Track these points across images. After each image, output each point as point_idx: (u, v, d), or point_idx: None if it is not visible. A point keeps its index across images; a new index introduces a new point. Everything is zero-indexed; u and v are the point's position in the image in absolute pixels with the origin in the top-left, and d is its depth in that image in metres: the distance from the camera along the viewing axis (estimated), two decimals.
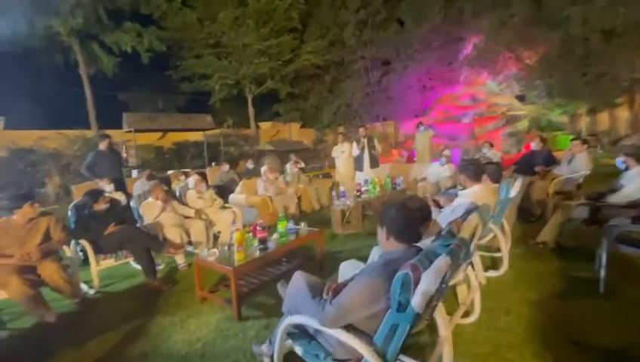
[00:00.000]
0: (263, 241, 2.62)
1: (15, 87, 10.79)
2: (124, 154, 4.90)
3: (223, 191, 6.04)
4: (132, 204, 4.03)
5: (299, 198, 5.68)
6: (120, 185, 4.90)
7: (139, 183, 4.91)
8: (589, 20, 9.64)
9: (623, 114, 12.65)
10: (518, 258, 3.06)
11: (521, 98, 14.57)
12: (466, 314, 2.06)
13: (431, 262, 1.13)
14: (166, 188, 5.55)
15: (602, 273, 2.31)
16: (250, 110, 14.31)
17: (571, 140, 4.28)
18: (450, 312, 1.88)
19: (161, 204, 3.78)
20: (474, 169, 2.17)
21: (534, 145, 5.17)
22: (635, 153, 2.76)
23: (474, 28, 13.73)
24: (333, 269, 3.15)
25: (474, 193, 2.19)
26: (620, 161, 2.88)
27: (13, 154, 8.37)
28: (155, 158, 12.28)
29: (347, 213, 4.29)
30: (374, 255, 2.47)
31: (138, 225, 3.66)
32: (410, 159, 8.53)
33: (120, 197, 4.59)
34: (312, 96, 16.52)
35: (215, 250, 2.65)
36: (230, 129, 13.42)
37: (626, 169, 2.83)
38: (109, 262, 3.11)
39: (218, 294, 2.71)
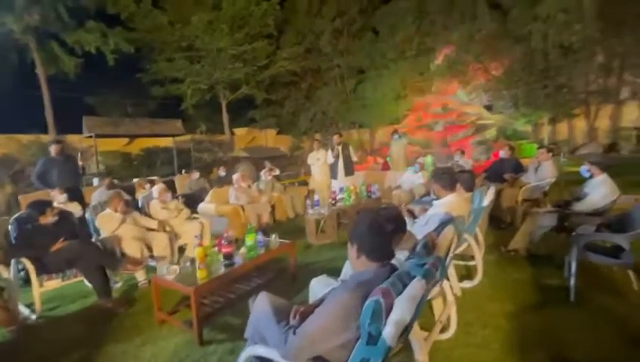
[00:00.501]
0: (228, 256, 2.42)
1: None
2: (79, 161, 4.48)
3: (193, 201, 5.75)
4: (87, 216, 3.68)
5: (273, 207, 5.49)
6: (76, 195, 4.49)
7: (97, 193, 4.53)
8: (548, 36, 10.25)
9: (580, 124, 13.53)
10: (491, 265, 3.06)
11: (488, 108, 15.23)
12: (442, 329, 1.98)
13: (405, 286, 1.02)
14: (128, 197, 5.20)
15: (572, 281, 2.32)
16: (225, 116, 13.95)
17: (538, 149, 4.42)
18: (426, 327, 1.78)
19: (120, 215, 3.48)
20: (448, 178, 2.12)
21: (503, 153, 5.31)
22: (599, 162, 2.85)
23: (445, 39, 14.26)
24: (306, 282, 2.97)
25: (448, 203, 2.13)
26: (584, 170, 2.96)
27: None
28: (122, 165, 11.63)
29: (322, 223, 4.16)
30: (347, 269, 2.36)
31: (93, 239, 3.34)
32: (385, 166, 8.56)
33: (75, 208, 4.21)
34: (289, 102, 16.43)
35: (175, 266, 2.42)
36: (204, 135, 13.00)
37: (591, 177, 2.92)
38: (54, 283, 2.78)
39: (179, 315, 2.47)
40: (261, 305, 1.52)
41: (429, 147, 13.83)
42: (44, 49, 9.47)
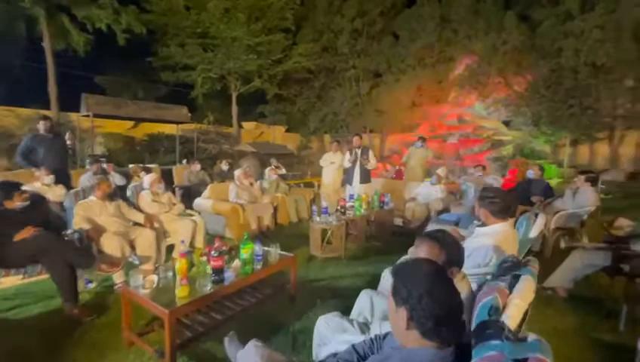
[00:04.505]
0: (218, 271, 1.99)
1: None
2: (68, 141, 4.09)
3: (190, 195, 5.36)
4: (66, 202, 3.27)
5: (275, 209, 5.05)
6: (62, 178, 4.10)
7: (84, 177, 4.13)
8: (580, 53, 9.74)
9: (602, 149, 12.95)
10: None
11: (506, 123, 14.71)
12: None
13: None
14: (122, 183, 4.80)
15: None
16: (234, 108, 13.58)
17: (579, 173, 3.95)
18: None
19: (102, 202, 3.07)
20: (501, 203, 1.67)
21: (531, 173, 4.83)
22: None
23: (466, 49, 13.80)
24: (308, 305, 2.56)
25: (497, 233, 1.69)
26: None
27: None
28: (124, 149, 11.27)
29: (329, 233, 3.72)
30: (387, 279, 1.91)
31: (69, 231, 2.93)
32: (399, 175, 8.09)
33: (57, 192, 3.82)
34: (300, 100, 16.06)
35: (153, 277, 2.00)
36: (210, 125, 12.62)
37: None
38: (12, 280, 2.37)
39: (153, 336, 2.04)
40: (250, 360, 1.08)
41: (441, 158, 13.35)
42: (53, 22, 9.14)
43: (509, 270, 1.13)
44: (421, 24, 14.56)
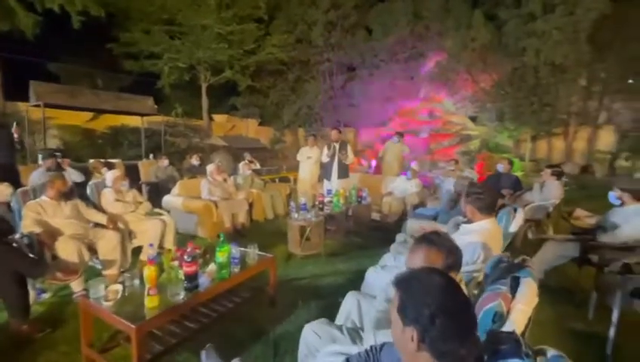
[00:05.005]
0: (191, 278, 1.82)
1: None
2: (15, 133, 3.65)
3: (158, 191, 5.03)
4: (13, 203, 2.91)
5: (250, 205, 4.87)
6: (8, 175, 3.65)
7: (36, 174, 3.69)
8: (541, 53, 10.26)
9: (559, 143, 13.87)
10: None
11: (473, 119, 15.30)
12: None
13: None
14: (80, 180, 4.40)
15: (612, 332, 1.93)
16: (204, 100, 12.99)
17: (546, 167, 4.13)
18: None
19: (56, 202, 2.76)
20: (488, 199, 1.65)
21: (501, 167, 5.02)
22: (631, 189, 2.52)
23: (437, 46, 14.12)
24: (289, 307, 2.45)
25: (484, 230, 1.67)
26: (613, 196, 2.63)
27: None
28: (83, 143, 10.41)
29: (307, 230, 3.62)
30: (372, 279, 1.85)
31: (17, 235, 2.59)
32: (377, 170, 8.14)
33: (4, 191, 3.39)
34: (274, 93, 15.69)
35: (117, 286, 1.80)
36: (178, 118, 11.97)
37: (621, 205, 2.59)
38: None
39: (117, 352, 1.85)
40: None
41: (412, 153, 13.67)
42: None
43: (507, 271, 1.09)
44: (394, 19, 14.68)
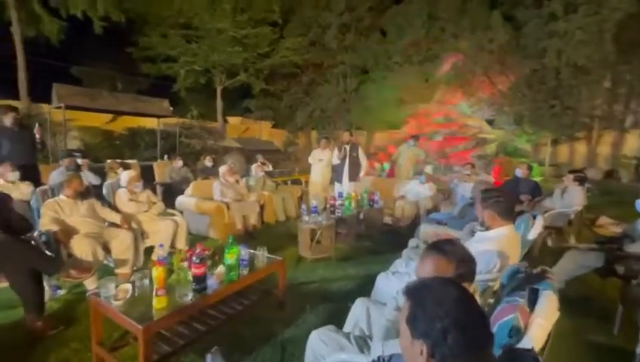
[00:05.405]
0: (199, 279, 1.82)
1: None
2: (37, 135, 3.78)
3: (172, 192, 5.11)
4: (32, 201, 3.00)
5: (262, 207, 4.88)
6: (30, 174, 3.78)
7: (55, 173, 3.83)
8: (563, 53, 9.92)
9: (581, 148, 13.35)
10: None
11: (490, 122, 14.93)
12: None
13: None
14: (96, 182, 4.51)
15: None
16: (219, 102, 13.21)
17: (568, 172, 3.96)
18: None
19: (73, 201, 2.83)
20: (506, 205, 1.57)
21: (519, 172, 4.86)
22: None
23: (453, 47, 13.88)
24: (298, 312, 2.42)
25: (501, 238, 1.59)
26: None
27: None
28: (102, 144, 10.76)
29: (318, 233, 3.58)
30: (383, 285, 1.80)
31: (35, 233, 2.67)
32: (393, 173, 8.04)
33: (24, 190, 3.52)
34: (287, 96, 15.79)
35: (127, 286, 1.81)
36: (194, 120, 12.21)
37: None
38: None
39: (126, 352, 1.86)
40: None
41: (427, 156, 13.45)
42: (24, 7, 8.56)
43: (525, 282, 1.03)
44: (409, 21, 14.54)
